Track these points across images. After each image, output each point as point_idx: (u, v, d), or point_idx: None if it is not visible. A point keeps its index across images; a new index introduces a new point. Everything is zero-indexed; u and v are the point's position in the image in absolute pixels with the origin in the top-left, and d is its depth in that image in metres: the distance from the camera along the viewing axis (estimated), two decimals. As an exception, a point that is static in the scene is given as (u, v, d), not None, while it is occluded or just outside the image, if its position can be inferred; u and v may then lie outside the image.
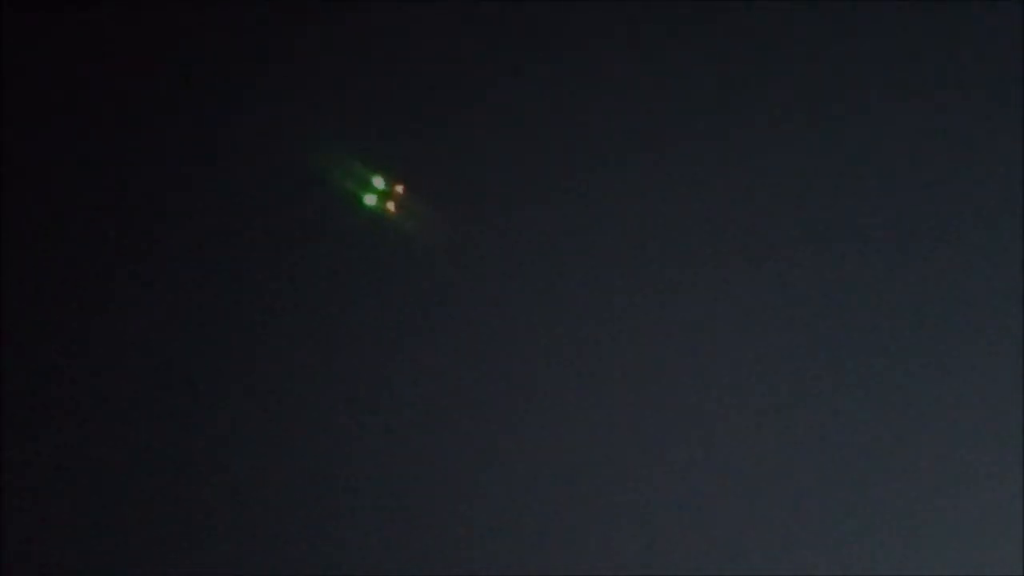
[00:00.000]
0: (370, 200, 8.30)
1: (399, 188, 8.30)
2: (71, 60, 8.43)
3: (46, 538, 8.23)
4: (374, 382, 8.37)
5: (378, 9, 8.50)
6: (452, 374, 8.35)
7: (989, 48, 8.28)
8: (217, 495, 8.27)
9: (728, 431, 8.26)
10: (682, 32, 8.44)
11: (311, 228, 8.39)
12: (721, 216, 8.39)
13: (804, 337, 8.29)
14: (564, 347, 8.36)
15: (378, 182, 8.28)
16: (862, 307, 8.30)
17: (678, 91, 8.47)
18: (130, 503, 8.28)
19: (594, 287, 8.39)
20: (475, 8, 8.47)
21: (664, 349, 8.34)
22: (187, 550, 8.24)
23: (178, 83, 8.45)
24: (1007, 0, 8.25)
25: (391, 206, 8.30)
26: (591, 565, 8.19)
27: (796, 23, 8.42)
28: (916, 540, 8.09)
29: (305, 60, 8.48)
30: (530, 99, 8.46)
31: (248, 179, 8.43)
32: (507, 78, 8.46)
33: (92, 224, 8.41)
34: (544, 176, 8.45)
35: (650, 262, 8.38)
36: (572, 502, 8.23)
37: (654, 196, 8.40)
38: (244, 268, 8.40)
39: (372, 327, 8.38)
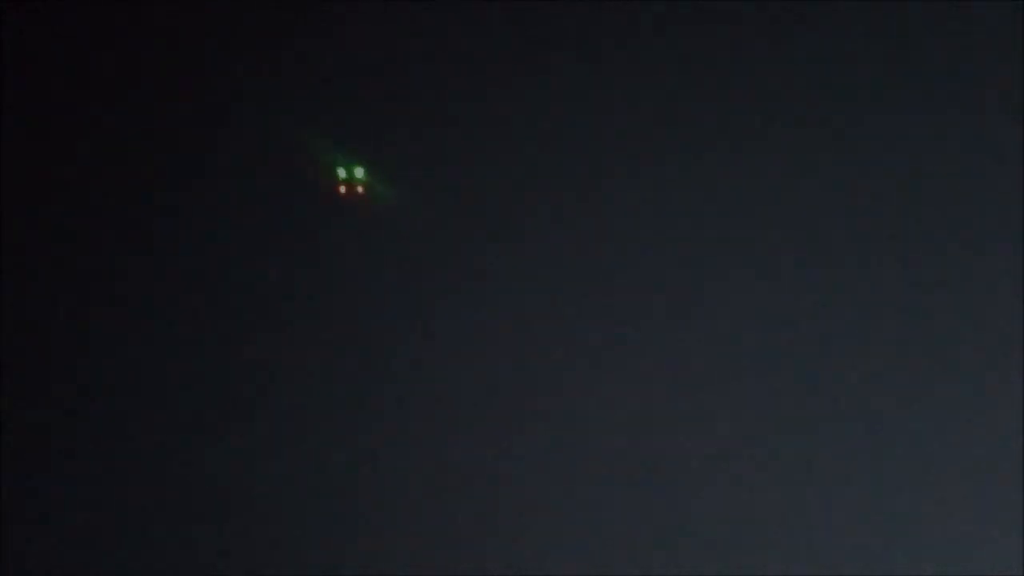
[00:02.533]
0: (344, 180, 8.46)
1: (374, 175, 8.44)
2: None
3: (46, 538, 8.31)
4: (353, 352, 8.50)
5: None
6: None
7: (989, 48, 8.26)
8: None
9: (727, 430, 8.30)
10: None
11: (289, 208, 8.52)
12: (722, 216, 8.44)
13: (806, 335, 8.33)
14: (539, 331, 8.44)
15: (358, 171, 8.44)
16: (862, 306, 8.32)
17: (672, 88, 8.51)
18: (130, 500, 8.38)
19: (568, 273, 8.47)
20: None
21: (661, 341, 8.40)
22: (186, 549, 8.33)
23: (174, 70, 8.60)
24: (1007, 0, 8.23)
25: (366, 190, 8.44)
26: (591, 564, 8.23)
27: (800, 24, 8.46)
28: (916, 540, 8.12)
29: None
30: (520, 96, 8.55)
31: (235, 162, 8.57)
32: (499, 75, 8.55)
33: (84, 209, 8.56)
34: (531, 175, 8.55)
35: (628, 253, 8.46)
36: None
37: (633, 188, 8.46)
38: (229, 250, 8.54)
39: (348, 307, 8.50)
